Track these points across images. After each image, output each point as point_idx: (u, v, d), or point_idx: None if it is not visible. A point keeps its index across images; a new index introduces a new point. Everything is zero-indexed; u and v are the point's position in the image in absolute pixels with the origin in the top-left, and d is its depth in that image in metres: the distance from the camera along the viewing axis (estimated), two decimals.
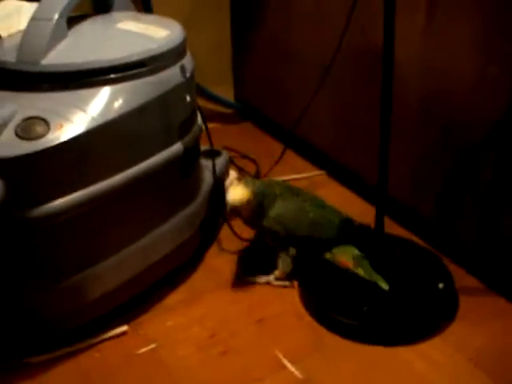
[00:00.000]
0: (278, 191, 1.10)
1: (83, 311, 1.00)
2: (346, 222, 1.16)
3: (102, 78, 0.93)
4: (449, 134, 1.13)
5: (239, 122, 1.80)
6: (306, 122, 1.36)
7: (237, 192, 1.05)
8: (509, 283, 1.07)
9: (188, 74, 1.06)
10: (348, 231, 1.16)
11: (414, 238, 1.23)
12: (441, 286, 1.08)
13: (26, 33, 0.94)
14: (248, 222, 1.12)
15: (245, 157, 1.56)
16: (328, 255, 1.13)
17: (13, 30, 1.04)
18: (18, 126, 0.87)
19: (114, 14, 1.12)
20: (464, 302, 1.07)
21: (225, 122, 1.78)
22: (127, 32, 1.03)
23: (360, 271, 1.09)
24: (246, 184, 1.07)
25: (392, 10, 0.92)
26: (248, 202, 1.05)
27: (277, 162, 1.46)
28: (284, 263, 1.13)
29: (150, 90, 0.98)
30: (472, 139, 1.08)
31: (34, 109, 0.89)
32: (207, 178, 1.22)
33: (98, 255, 0.98)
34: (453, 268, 1.13)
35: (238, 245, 1.23)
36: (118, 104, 0.93)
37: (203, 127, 1.17)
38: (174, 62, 1.03)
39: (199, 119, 1.16)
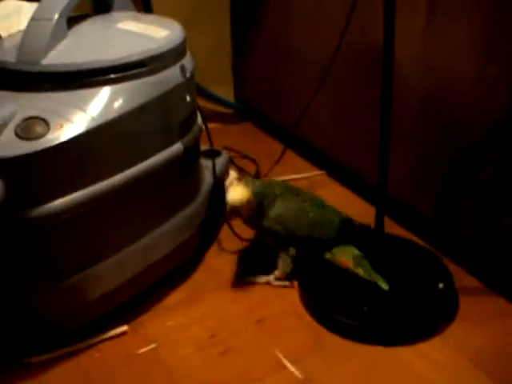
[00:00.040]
0: (278, 191, 1.10)
1: (83, 311, 1.00)
2: (346, 222, 1.16)
3: (102, 78, 0.93)
4: (449, 133, 1.13)
5: (239, 121, 1.80)
6: (306, 122, 1.36)
7: (237, 192, 1.05)
8: (509, 283, 1.07)
9: (188, 74, 1.06)
10: (348, 231, 1.16)
11: (414, 238, 1.23)
12: (441, 286, 1.08)
13: (26, 33, 0.94)
14: (248, 221, 1.12)
15: (245, 157, 1.56)
16: (328, 255, 1.13)
17: (13, 30, 1.04)
18: (18, 125, 0.87)
19: (114, 14, 1.12)
20: (464, 302, 1.07)
21: (225, 122, 1.78)
22: (127, 32, 1.03)
23: (360, 271, 1.09)
24: (246, 184, 1.06)
25: (392, 10, 0.92)
26: (248, 201, 1.05)
27: (277, 162, 1.46)
28: (284, 263, 1.13)
29: (150, 90, 0.98)
30: (472, 139, 1.08)
31: (33, 109, 0.89)
32: (207, 177, 1.22)
33: (98, 255, 0.98)
34: (453, 268, 1.13)
35: (238, 245, 1.23)
36: (117, 104, 0.93)
37: (203, 127, 1.17)
38: (174, 62, 1.03)
39: (199, 119, 1.16)
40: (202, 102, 1.40)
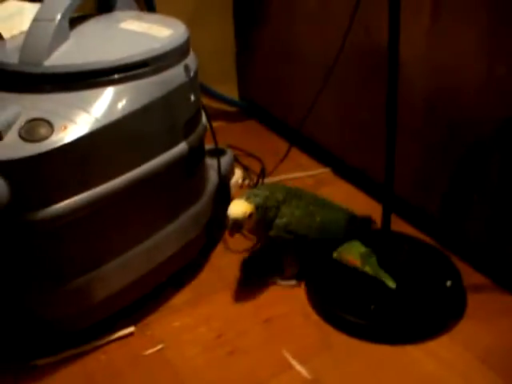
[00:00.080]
0: (281, 197, 1.08)
1: (89, 313, 1.00)
2: (351, 220, 1.16)
3: (105, 78, 0.93)
4: (454, 132, 1.12)
5: (244, 120, 1.79)
6: (312, 121, 1.35)
7: (238, 206, 1.03)
8: None
9: (192, 74, 1.05)
10: (353, 228, 1.15)
11: (421, 236, 1.22)
12: (449, 283, 1.08)
13: (29, 34, 0.93)
14: (253, 233, 1.11)
15: (250, 155, 1.56)
16: (335, 254, 1.12)
17: (15, 31, 1.03)
18: (22, 127, 0.87)
19: (117, 14, 1.12)
20: (472, 300, 1.07)
21: (229, 121, 1.78)
22: (130, 32, 1.03)
23: (368, 269, 1.08)
24: (248, 198, 1.04)
25: (397, 10, 0.91)
26: (250, 216, 1.03)
27: (282, 160, 1.46)
28: (290, 263, 1.13)
29: (153, 90, 0.97)
30: (478, 138, 1.08)
31: (37, 110, 0.89)
32: (212, 177, 1.22)
33: (102, 257, 0.98)
34: (460, 265, 1.13)
35: (243, 244, 1.22)
36: (121, 104, 0.93)
37: (207, 126, 1.17)
38: (177, 62, 1.03)
39: (203, 118, 1.15)
40: (205, 101, 1.40)
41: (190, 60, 1.06)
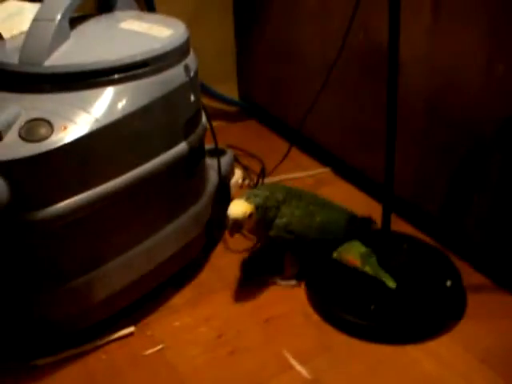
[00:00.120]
0: (281, 197, 1.08)
1: (89, 313, 1.00)
2: (350, 220, 1.16)
3: (106, 78, 0.93)
4: (455, 132, 1.12)
5: (244, 120, 1.79)
6: (312, 120, 1.35)
7: (238, 207, 1.02)
8: None
9: (192, 74, 1.05)
10: (353, 228, 1.16)
11: (421, 236, 1.22)
12: (449, 283, 1.08)
13: (29, 34, 0.93)
14: (252, 233, 1.11)
15: (250, 155, 1.55)
16: (335, 254, 1.12)
17: (15, 31, 1.03)
18: (22, 127, 0.87)
19: (117, 14, 1.12)
20: (472, 300, 1.06)
21: (229, 121, 1.77)
22: (130, 32, 1.03)
23: (368, 269, 1.08)
24: (248, 198, 1.04)
25: (397, 10, 0.91)
26: (250, 216, 1.02)
27: (282, 160, 1.45)
28: (291, 263, 1.12)
29: (153, 90, 0.97)
30: (478, 137, 1.08)
31: (37, 110, 0.88)
32: (212, 177, 1.22)
33: (103, 257, 0.98)
34: (460, 265, 1.12)
35: (243, 244, 1.22)
36: (121, 105, 0.93)
37: (207, 126, 1.17)
38: (177, 62, 1.02)
39: (204, 118, 1.15)
40: (206, 101, 1.39)
41: (190, 60, 1.06)
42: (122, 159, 0.95)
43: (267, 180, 1.45)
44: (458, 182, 1.14)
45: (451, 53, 1.08)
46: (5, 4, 1.13)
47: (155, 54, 0.97)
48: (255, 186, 1.43)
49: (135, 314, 1.06)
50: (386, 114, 0.99)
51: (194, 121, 1.09)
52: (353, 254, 1.11)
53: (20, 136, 0.86)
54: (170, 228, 1.07)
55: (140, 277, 1.03)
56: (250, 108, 1.81)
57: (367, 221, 1.21)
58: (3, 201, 0.85)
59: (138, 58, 0.95)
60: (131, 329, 1.03)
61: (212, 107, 1.72)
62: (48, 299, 0.96)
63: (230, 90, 1.79)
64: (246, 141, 1.61)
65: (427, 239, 1.21)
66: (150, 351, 1.00)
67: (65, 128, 0.87)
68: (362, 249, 1.12)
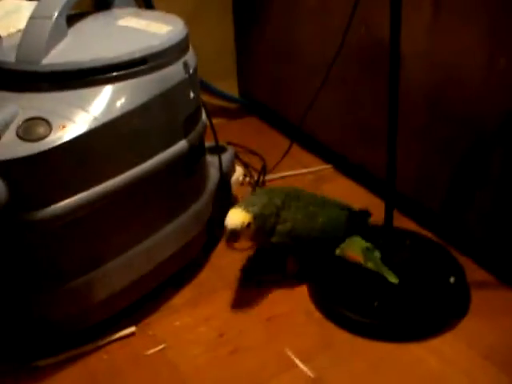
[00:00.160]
0: (280, 202, 1.06)
1: (89, 313, 0.99)
2: (351, 216, 1.16)
3: (104, 76, 0.92)
4: (456, 128, 1.11)
5: (244, 116, 1.78)
6: (313, 117, 1.34)
7: (235, 216, 1.01)
8: None
9: (191, 70, 1.04)
10: (353, 223, 1.16)
11: (424, 232, 1.21)
12: (452, 280, 1.07)
13: (26, 32, 0.92)
14: (252, 242, 1.10)
15: (251, 152, 1.55)
16: (338, 251, 1.12)
17: (12, 29, 1.02)
18: (20, 127, 0.86)
19: (115, 11, 1.11)
20: (476, 297, 1.06)
21: (229, 118, 1.77)
22: (128, 29, 1.02)
23: (370, 265, 1.07)
24: (245, 207, 1.02)
25: (398, 6, 0.90)
26: (248, 226, 1.01)
27: (283, 157, 1.45)
28: (292, 261, 1.12)
29: (152, 88, 0.96)
30: (480, 133, 1.07)
31: (35, 109, 0.88)
32: (213, 174, 1.21)
33: (103, 256, 0.97)
34: (464, 262, 1.12)
35: (244, 243, 1.21)
36: (120, 103, 0.92)
37: (207, 123, 1.16)
38: (176, 59, 1.02)
39: (203, 115, 1.14)
40: (206, 98, 1.39)
41: (190, 57, 1.06)
42: (121, 158, 0.94)
43: (268, 177, 1.44)
44: (460, 178, 1.14)
45: (452, 48, 1.07)
46: (2, 2, 1.13)
47: (154, 50, 0.96)
48: (256, 183, 1.42)
49: (136, 314, 1.05)
50: (386, 110, 0.98)
51: (193, 118, 1.08)
52: (355, 250, 1.11)
53: (18, 135, 0.85)
54: (170, 227, 1.06)
55: (140, 276, 1.03)
56: (250, 105, 1.80)
57: (365, 214, 1.20)
58: (1, 201, 0.85)
59: (137, 55, 0.94)
60: (132, 329, 1.03)
61: (212, 104, 1.71)
62: (48, 299, 0.95)
63: (230, 87, 1.78)
64: (246, 138, 1.60)
65: (430, 235, 1.20)
66: (152, 351, 0.99)
67: (63, 127, 0.87)
68: (364, 244, 1.11)
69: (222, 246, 1.23)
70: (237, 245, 1.20)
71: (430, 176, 1.21)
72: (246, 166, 1.49)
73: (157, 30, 1.02)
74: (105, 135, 0.91)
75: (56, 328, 0.98)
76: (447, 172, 1.16)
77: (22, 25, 0.94)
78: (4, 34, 1.03)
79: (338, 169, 1.48)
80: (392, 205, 1.06)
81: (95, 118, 0.89)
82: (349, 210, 1.18)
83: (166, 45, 0.98)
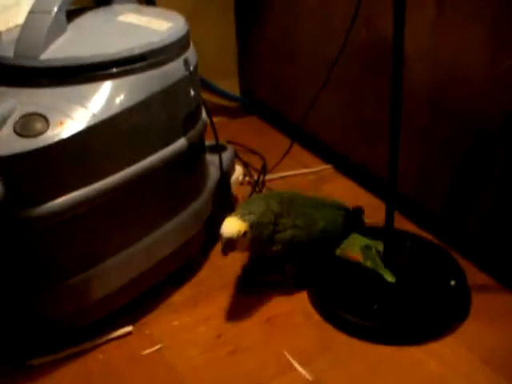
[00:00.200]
0: (277, 208, 1.04)
1: (86, 312, 0.98)
2: (346, 215, 1.16)
3: (103, 72, 0.91)
4: (459, 128, 1.10)
5: (245, 115, 1.78)
6: (314, 117, 1.34)
7: (231, 225, 0.98)
8: None
9: (192, 68, 1.03)
10: (349, 222, 1.15)
11: (425, 234, 1.21)
12: (453, 283, 1.06)
13: (24, 26, 0.92)
14: (248, 251, 1.09)
15: (251, 151, 1.54)
16: (338, 251, 1.11)
17: (11, 23, 1.02)
18: (17, 122, 0.85)
19: (115, 7, 1.10)
20: (476, 300, 1.05)
21: (230, 116, 1.76)
22: (129, 25, 1.01)
23: (369, 264, 1.07)
24: (242, 216, 1.00)
25: (402, 5, 0.89)
26: (244, 235, 0.98)
27: (283, 157, 1.44)
28: (291, 264, 1.11)
29: (152, 85, 0.95)
30: (482, 133, 1.06)
31: (32, 105, 0.87)
32: (212, 173, 1.20)
33: (101, 254, 0.97)
34: (464, 265, 1.11)
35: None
36: (119, 99, 0.91)
37: (208, 121, 1.15)
38: (177, 56, 1.01)
39: (204, 114, 1.13)
40: (206, 96, 1.38)
41: (190, 54, 1.05)
42: (120, 155, 0.94)
43: (268, 177, 1.43)
44: (461, 179, 1.13)
45: (456, 46, 1.07)
46: None
47: (154, 47, 0.95)
48: (256, 183, 1.41)
49: (133, 313, 1.04)
50: (387, 110, 0.97)
51: (193, 116, 1.07)
52: (354, 249, 1.10)
53: (15, 131, 0.84)
54: (169, 225, 1.05)
55: (139, 275, 1.02)
56: (251, 104, 1.79)
57: (359, 211, 1.20)
58: None
59: (137, 52, 0.93)
60: (129, 328, 1.02)
61: (213, 103, 1.70)
62: (45, 297, 0.95)
63: (231, 86, 1.77)
64: (246, 137, 1.59)
65: (431, 237, 1.19)
66: (148, 351, 0.99)
67: (61, 123, 0.86)
68: (363, 242, 1.11)
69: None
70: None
71: (432, 177, 1.20)
72: (245, 165, 1.48)
73: (157, 26, 1.01)
74: (103, 132, 0.90)
75: (54, 326, 0.98)
76: (449, 173, 1.15)
77: (21, 19, 0.93)
78: (3, 28, 1.02)
79: (339, 169, 1.48)
80: (393, 206, 1.05)
81: (94, 115, 0.88)
82: (345, 209, 1.18)
83: (167, 41, 0.98)
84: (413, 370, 0.94)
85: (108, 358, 0.97)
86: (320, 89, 1.23)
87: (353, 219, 1.18)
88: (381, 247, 1.08)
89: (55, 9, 0.92)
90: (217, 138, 1.17)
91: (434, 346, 0.97)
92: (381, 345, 0.98)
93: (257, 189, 1.39)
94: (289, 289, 1.10)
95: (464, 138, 1.10)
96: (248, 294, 1.10)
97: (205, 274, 1.15)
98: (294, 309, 1.06)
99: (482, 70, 1.03)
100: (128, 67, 0.92)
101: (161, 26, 1.01)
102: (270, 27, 1.63)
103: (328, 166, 1.49)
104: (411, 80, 1.08)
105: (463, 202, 1.14)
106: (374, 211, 1.18)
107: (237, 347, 0.99)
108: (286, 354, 0.97)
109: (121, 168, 0.93)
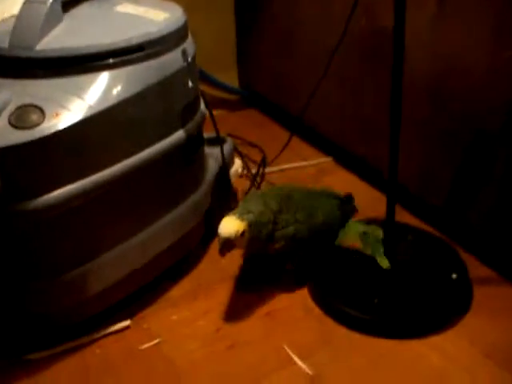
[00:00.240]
0: (276, 206, 1.03)
1: (84, 306, 0.97)
2: (341, 204, 1.15)
3: (100, 63, 0.90)
4: (460, 120, 1.10)
5: (244, 108, 1.77)
6: (313, 109, 1.33)
7: (229, 225, 0.97)
8: None
9: (190, 59, 1.02)
10: (344, 211, 1.15)
11: (426, 228, 1.20)
12: (454, 276, 1.06)
13: (20, 17, 0.91)
14: (247, 249, 1.08)
15: (251, 144, 1.53)
16: (337, 241, 1.11)
17: (6, 14, 1.01)
18: (12, 114, 0.84)
19: None
20: (478, 293, 1.04)
21: (229, 109, 1.75)
22: (126, 15, 1.00)
23: (368, 250, 1.06)
24: (240, 215, 0.98)
25: None
26: (242, 234, 0.97)
27: (283, 150, 1.43)
28: (292, 259, 1.10)
29: (150, 76, 0.94)
30: (484, 126, 1.06)
31: (28, 96, 0.86)
32: (211, 166, 1.19)
33: (98, 248, 0.96)
34: (466, 258, 1.10)
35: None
36: (116, 90, 0.90)
37: (206, 113, 1.14)
38: (174, 46, 1.00)
39: (202, 105, 1.12)
40: (205, 89, 1.37)
41: (188, 44, 1.04)
42: (117, 147, 0.93)
43: (268, 170, 1.43)
44: (463, 173, 1.12)
45: (456, 39, 1.06)
46: None
47: (151, 37, 0.94)
48: (255, 176, 1.40)
49: (131, 307, 1.03)
50: (388, 102, 0.96)
51: (191, 107, 1.06)
52: (353, 237, 1.10)
53: (10, 123, 0.83)
54: (167, 218, 1.05)
55: (136, 269, 1.01)
56: (250, 96, 1.78)
57: (350, 199, 1.19)
58: None
59: (134, 42, 0.92)
60: (127, 322, 1.01)
61: (212, 95, 1.70)
62: (42, 292, 0.94)
63: (231, 78, 1.77)
64: (246, 129, 1.59)
65: (432, 231, 1.19)
66: (147, 345, 0.98)
67: (57, 115, 0.85)
68: (361, 228, 1.10)
69: None
70: None
71: (433, 169, 1.20)
72: (245, 158, 1.47)
73: (155, 16, 1.00)
74: (100, 123, 0.89)
75: (50, 321, 0.97)
76: (450, 165, 1.14)
77: (16, 10, 0.92)
78: None
79: (339, 161, 1.47)
80: (394, 199, 1.04)
81: (90, 106, 0.87)
82: (339, 198, 1.17)
83: (164, 32, 0.97)
84: (414, 364, 0.93)
85: (106, 352, 0.97)
86: (321, 77, 1.22)
87: (347, 207, 1.17)
88: (379, 232, 1.07)
89: None
90: (217, 131, 1.16)
91: (436, 340, 0.97)
92: (382, 338, 0.97)
93: (256, 182, 1.38)
94: (288, 282, 1.10)
95: (465, 129, 1.09)
96: (247, 288, 1.09)
97: (204, 267, 1.14)
98: (293, 302, 1.06)
99: (483, 60, 1.02)
100: (125, 58, 0.91)
101: (158, 16, 1.00)
102: (269, 19, 1.62)
103: (328, 159, 1.49)
104: (411, 71, 1.07)
105: (465, 196, 1.13)
106: (375, 204, 1.17)
107: (236, 341, 0.98)
108: (286, 347, 0.97)
109: (118, 160, 0.92)
